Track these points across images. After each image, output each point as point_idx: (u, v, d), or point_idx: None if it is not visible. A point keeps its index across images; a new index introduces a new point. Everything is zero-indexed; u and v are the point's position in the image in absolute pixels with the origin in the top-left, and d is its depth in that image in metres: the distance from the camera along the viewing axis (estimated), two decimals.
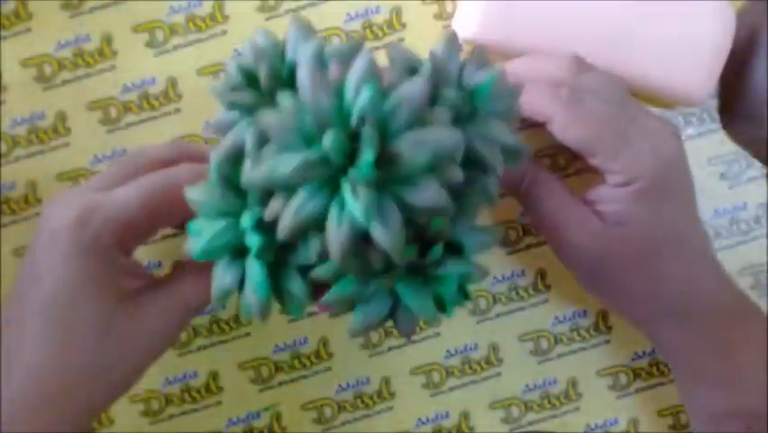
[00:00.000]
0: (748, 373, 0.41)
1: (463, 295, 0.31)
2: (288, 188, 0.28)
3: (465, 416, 0.49)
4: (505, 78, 0.33)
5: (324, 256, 0.29)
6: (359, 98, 0.27)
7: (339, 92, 0.28)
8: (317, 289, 0.32)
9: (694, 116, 0.49)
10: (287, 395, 0.49)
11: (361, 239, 0.28)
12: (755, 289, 0.49)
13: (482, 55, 0.33)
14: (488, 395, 0.49)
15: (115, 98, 0.48)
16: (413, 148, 0.27)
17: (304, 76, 0.28)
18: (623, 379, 0.49)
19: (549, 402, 0.49)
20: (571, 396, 0.49)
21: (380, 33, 0.48)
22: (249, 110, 0.30)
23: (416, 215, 0.28)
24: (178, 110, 0.48)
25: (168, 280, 0.39)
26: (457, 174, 0.29)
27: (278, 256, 0.30)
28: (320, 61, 0.29)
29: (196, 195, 0.32)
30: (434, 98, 0.30)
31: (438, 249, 0.30)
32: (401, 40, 0.48)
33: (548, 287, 0.49)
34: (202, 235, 0.31)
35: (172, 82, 0.48)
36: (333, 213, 0.27)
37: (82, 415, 0.37)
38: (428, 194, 0.27)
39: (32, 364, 0.36)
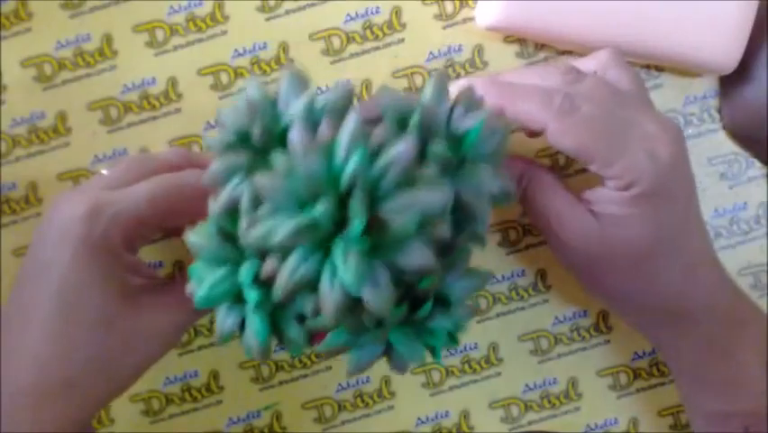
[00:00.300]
0: (747, 376, 0.41)
1: (452, 340, 0.32)
2: (283, 250, 0.29)
3: (465, 415, 0.49)
4: (493, 118, 0.33)
5: (318, 312, 0.30)
6: (348, 163, 0.28)
7: (329, 153, 0.29)
8: (315, 334, 0.33)
9: (694, 116, 0.49)
10: (287, 394, 0.49)
11: (353, 299, 0.29)
12: (755, 289, 0.49)
13: (471, 97, 0.34)
14: (487, 395, 0.49)
15: (115, 98, 0.48)
16: (401, 212, 0.28)
17: (295, 139, 0.29)
18: (623, 379, 0.50)
19: (549, 402, 0.49)
20: (571, 396, 0.49)
21: (380, 34, 0.48)
22: (244, 168, 0.31)
23: (405, 276, 0.29)
24: (178, 110, 0.48)
25: (172, 281, 0.40)
26: (444, 230, 0.30)
27: (277, 305, 0.31)
28: (310, 121, 0.30)
29: (195, 239, 0.33)
30: (422, 151, 0.31)
31: (427, 307, 0.31)
32: (401, 40, 0.48)
33: (548, 287, 0.49)
34: (203, 284, 0.32)
35: (172, 82, 0.48)
36: (325, 277, 0.28)
37: (83, 410, 0.38)
38: (416, 257, 0.28)
39: (37, 357, 0.37)
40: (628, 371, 0.50)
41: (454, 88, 0.40)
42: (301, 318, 0.32)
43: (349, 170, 0.28)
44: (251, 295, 0.30)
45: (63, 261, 0.37)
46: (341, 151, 0.29)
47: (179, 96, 0.48)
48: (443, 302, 0.32)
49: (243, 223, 0.30)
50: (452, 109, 0.33)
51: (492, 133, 0.33)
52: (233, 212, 0.31)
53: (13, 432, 0.36)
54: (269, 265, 0.30)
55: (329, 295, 0.28)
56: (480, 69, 0.49)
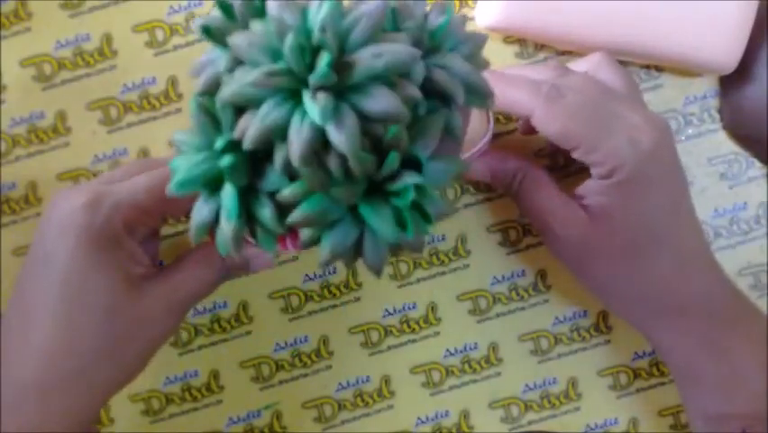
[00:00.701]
0: (744, 377, 0.41)
1: (423, 216, 0.32)
2: (256, 102, 0.30)
3: (465, 415, 0.50)
4: (464, 25, 0.34)
5: (288, 171, 0.30)
6: (319, 12, 0.29)
7: (304, 13, 0.30)
8: (287, 236, 0.34)
9: (694, 116, 0.49)
10: (287, 394, 0.49)
11: (321, 147, 0.29)
12: (755, 289, 0.49)
13: (444, 4, 0.34)
14: (487, 394, 0.49)
15: (115, 98, 0.48)
16: (369, 58, 0.29)
17: (271, 1, 0.30)
18: (623, 379, 0.50)
19: (549, 402, 0.49)
20: (571, 396, 0.50)
21: None
22: (226, 44, 0.32)
23: (371, 122, 0.30)
24: (178, 110, 0.48)
25: (170, 268, 0.40)
26: (414, 91, 0.30)
27: (250, 184, 0.32)
28: None
29: (178, 135, 0.33)
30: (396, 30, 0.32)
31: (394, 156, 0.31)
32: None
33: (548, 287, 0.49)
34: (180, 168, 0.32)
35: (172, 82, 0.48)
36: (294, 119, 0.29)
37: (90, 401, 0.38)
38: (382, 100, 0.29)
39: (42, 350, 0.37)
40: (628, 371, 0.50)
41: None
42: (272, 197, 0.32)
43: (320, 17, 0.29)
44: (225, 160, 0.30)
45: (65, 251, 0.37)
46: (314, 6, 0.30)
47: (179, 95, 0.48)
48: (412, 165, 0.32)
49: (222, 87, 0.31)
50: (427, 13, 0.34)
51: (467, 36, 0.34)
52: (213, 91, 0.31)
53: (20, 428, 0.36)
54: (242, 122, 0.30)
55: (297, 134, 0.29)
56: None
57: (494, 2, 0.45)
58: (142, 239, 0.40)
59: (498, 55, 0.49)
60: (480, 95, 0.34)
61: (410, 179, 0.31)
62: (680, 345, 0.42)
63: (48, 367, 0.37)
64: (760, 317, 0.42)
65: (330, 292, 0.49)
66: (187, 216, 0.36)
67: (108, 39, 0.47)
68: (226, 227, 0.32)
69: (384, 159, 0.31)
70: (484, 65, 0.35)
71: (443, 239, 0.49)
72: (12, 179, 0.48)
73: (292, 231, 0.33)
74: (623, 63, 0.48)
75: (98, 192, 0.38)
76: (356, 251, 0.33)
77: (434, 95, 0.32)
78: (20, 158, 0.48)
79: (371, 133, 0.30)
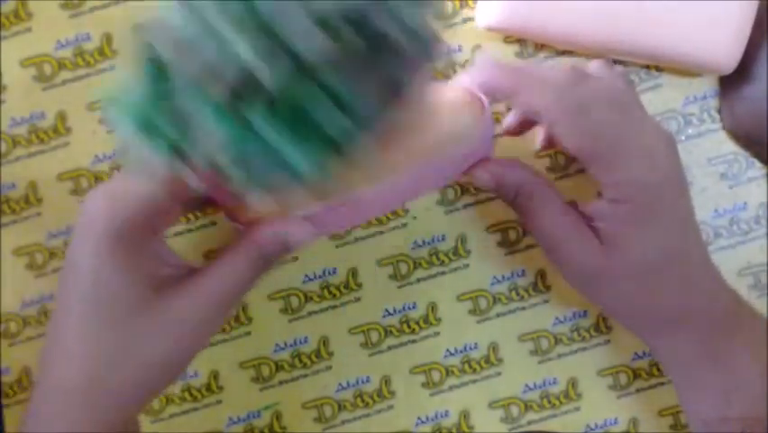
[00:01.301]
0: (744, 380, 0.40)
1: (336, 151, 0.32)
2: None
3: (465, 415, 0.49)
4: None
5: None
6: None
7: None
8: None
9: (694, 116, 0.49)
10: (287, 394, 0.49)
11: (248, 85, 0.29)
12: (755, 289, 0.49)
13: None
14: (487, 394, 0.49)
15: None
16: None
17: None
18: (623, 379, 0.49)
19: (549, 402, 0.49)
20: (571, 396, 0.49)
21: None
22: None
23: (303, 62, 0.29)
24: None
25: (203, 266, 0.39)
26: (349, 35, 0.30)
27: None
28: None
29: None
30: None
31: (321, 98, 0.31)
32: None
33: (548, 287, 0.49)
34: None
35: None
36: (227, 56, 0.29)
37: (120, 407, 0.37)
38: (313, 39, 0.29)
39: (72, 353, 0.36)
40: (628, 371, 0.50)
41: (476, 67, 0.41)
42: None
43: None
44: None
45: (87, 256, 0.37)
46: None
47: None
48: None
49: None
50: None
51: None
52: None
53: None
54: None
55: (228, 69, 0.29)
56: None
57: (494, 2, 0.45)
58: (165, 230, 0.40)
59: (498, 55, 0.49)
60: (422, 42, 0.32)
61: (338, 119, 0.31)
62: (680, 353, 0.42)
63: (72, 375, 0.36)
64: (760, 321, 0.42)
65: (330, 293, 0.49)
66: (208, 209, 0.36)
67: (108, 39, 0.47)
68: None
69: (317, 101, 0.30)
70: (438, 12, 0.34)
71: (443, 239, 0.49)
72: (12, 179, 0.48)
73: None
74: (623, 63, 0.48)
75: (116, 192, 0.37)
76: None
77: (377, 42, 0.31)
78: (20, 158, 0.48)
79: (303, 73, 0.30)
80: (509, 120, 0.47)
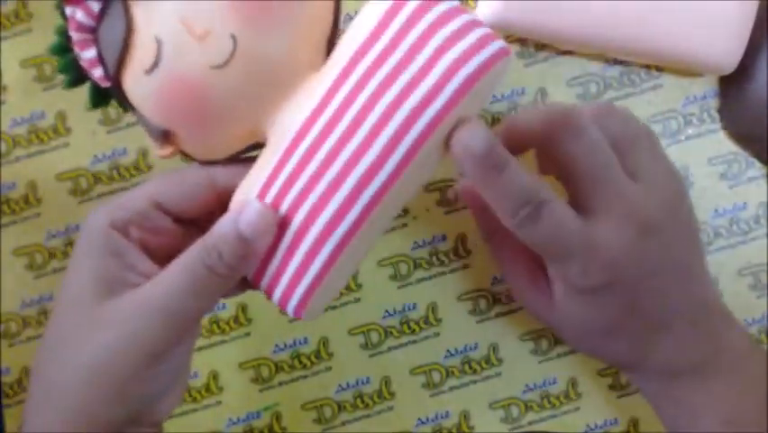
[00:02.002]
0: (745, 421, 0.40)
1: None
2: None
3: (465, 416, 0.49)
4: None
5: None
6: None
7: None
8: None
9: (694, 116, 0.49)
10: (287, 395, 0.49)
11: None
12: (755, 289, 0.49)
13: None
14: (488, 395, 0.49)
15: None
16: None
17: None
18: (623, 379, 0.49)
19: (549, 402, 0.49)
20: (571, 396, 0.49)
21: None
22: None
23: None
24: None
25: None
26: None
27: None
28: None
29: None
30: None
31: None
32: None
33: None
34: None
35: None
36: None
37: (76, 408, 0.36)
38: None
39: (39, 360, 0.37)
40: None
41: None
42: None
43: None
44: None
45: (74, 266, 0.37)
46: None
47: None
48: None
49: None
50: None
51: None
52: None
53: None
54: None
55: None
56: None
57: (494, 1, 0.45)
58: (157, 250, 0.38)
59: None
60: None
61: None
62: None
63: (39, 366, 0.37)
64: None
65: None
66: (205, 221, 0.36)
67: None
68: None
69: None
70: None
71: (443, 239, 0.49)
72: (12, 179, 0.48)
73: None
74: (623, 63, 0.48)
75: (113, 205, 0.37)
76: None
77: None
78: (20, 158, 0.48)
79: None
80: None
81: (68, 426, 0.35)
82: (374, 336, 0.49)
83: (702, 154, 0.49)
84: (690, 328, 0.40)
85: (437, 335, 0.49)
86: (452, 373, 0.49)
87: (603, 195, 0.38)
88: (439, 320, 0.49)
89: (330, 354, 0.49)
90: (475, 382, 0.49)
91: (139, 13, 0.35)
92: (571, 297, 0.39)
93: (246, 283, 0.37)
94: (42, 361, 0.37)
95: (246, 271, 0.36)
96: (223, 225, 0.35)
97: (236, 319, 0.49)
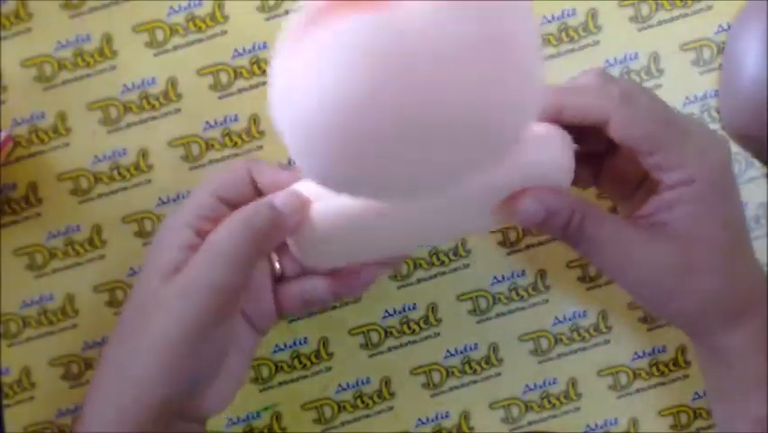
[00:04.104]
0: None
1: None
2: None
3: (465, 416, 0.49)
4: None
5: None
6: None
7: None
8: None
9: (694, 116, 0.49)
10: (287, 395, 0.49)
11: None
12: None
13: None
14: (488, 395, 0.49)
15: (115, 98, 0.48)
16: None
17: None
18: (623, 379, 0.49)
19: (549, 402, 0.49)
20: (571, 396, 0.49)
21: None
22: None
23: None
24: (177, 110, 0.48)
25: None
26: None
27: None
28: None
29: None
30: None
31: None
32: None
33: (548, 287, 0.49)
34: None
35: (172, 82, 0.48)
36: None
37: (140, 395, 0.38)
38: None
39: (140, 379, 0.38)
40: (628, 371, 0.50)
41: None
42: None
43: None
44: None
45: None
46: None
47: (179, 96, 0.48)
48: None
49: None
50: None
51: None
52: None
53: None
54: None
55: None
56: None
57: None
58: None
59: None
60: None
61: None
62: (745, 349, 0.41)
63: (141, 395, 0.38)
64: None
65: None
66: None
67: (108, 39, 0.48)
68: None
69: None
70: None
71: None
72: (12, 179, 0.48)
73: None
74: (623, 62, 0.48)
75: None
76: None
77: None
78: (20, 158, 0.48)
79: None
80: None
81: (125, 412, 0.38)
82: (374, 336, 0.49)
83: None
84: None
85: (437, 335, 0.49)
86: (453, 373, 0.49)
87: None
88: (439, 320, 0.49)
89: (330, 355, 0.49)
90: (475, 382, 0.49)
91: None
92: (691, 202, 0.38)
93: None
94: (112, 347, 0.40)
95: (276, 243, 0.40)
96: (258, 202, 0.39)
97: None
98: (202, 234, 0.39)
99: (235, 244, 0.38)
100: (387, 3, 0.29)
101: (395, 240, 0.40)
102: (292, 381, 0.49)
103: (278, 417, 0.49)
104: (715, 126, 0.49)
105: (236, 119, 0.48)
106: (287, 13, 0.48)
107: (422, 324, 0.49)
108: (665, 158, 0.38)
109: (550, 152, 0.38)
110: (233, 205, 0.40)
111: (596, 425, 0.49)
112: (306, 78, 0.30)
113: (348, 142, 0.30)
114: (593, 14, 0.49)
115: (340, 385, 0.49)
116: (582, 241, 0.40)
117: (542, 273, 0.49)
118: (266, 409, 0.49)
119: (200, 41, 0.48)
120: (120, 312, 0.41)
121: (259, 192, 0.41)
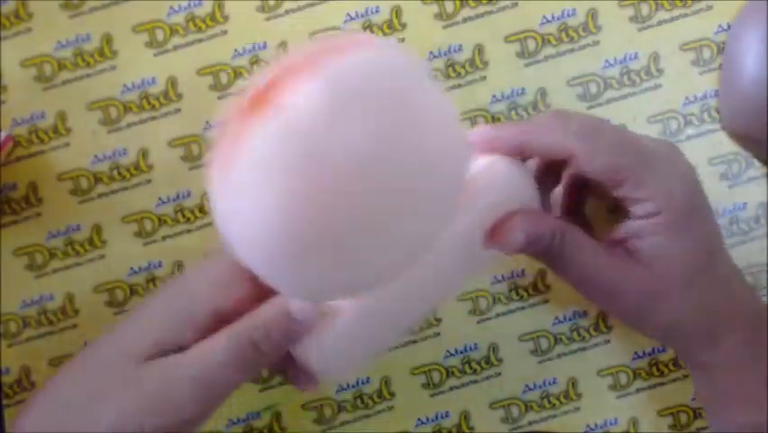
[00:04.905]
0: None
1: None
2: None
3: (465, 416, 0.49)
4: None
5: None
6: None
7: None
8: None
9: (694, 117, 0.49)
10: (287, 395, 0.49)
11: None
12: (755, 289, 0.49)
13: None
14: (488, 395, 0.49)
15: (115, 98, 0.48)
16: None
17: None
18: (623, 379, 0.49)
19: (549, 402, 0.49)
20: (571, 396, 0.49)
21: (380, 34, 0.48)
22: None
23: None
24: (178, 110, 0.48)
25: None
26: None
27: None
28: None
29: None
30: None
31: None
32: (401, 40, 0.48)
33: (548, 287, 0.49)
34: None
35: (172, 82, 0.48)
36: None
37: None
38: None
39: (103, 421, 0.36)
40: (628, 371, 0.50)
41: (475, 137, 0.40)
42: None
43: None
44: None
45: None
46: None
47: (179, 96, 0.48)
48: None
49: None
50: None
51: None
52: None
53: None
54: None
55: None
56: (480, 68, 0.49)
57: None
58: None
59: (498, 55, 0.49)
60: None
61: None
62: (723, 364, 0.41)
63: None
64: None
65: None
66: None
67: (108, 39, 0.48)
68: None
69: None
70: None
71: None
72: (12, 179, 0.48)
73: None
74: (623, 62, 0.48)
75: None
76: None
77: None
78: (20, 158, 0.48)
79: None
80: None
81: None
82: None
83: (702, 154, 0.49)
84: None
85: (437, 335, 0.49)
86: (453, 372, 0.49)
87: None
88: (439, 320, 0.49)
89: None
90: (475, 381, 0.49)
91: None
92: (659, 233, 0.39)
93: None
94: (64, 412, 0.37)
95: (286, 350, 0.37)
96: (272, 305, 0.36)
97: None
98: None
99: (242, 352, 0.36)
100: (271, 103, 0.29)
101: (404, 316, 0.39)
102: None
103: (278, 417, 0.49)
104: (715, 126, 0.49)
105: None
106: (287, 13, 0.48)
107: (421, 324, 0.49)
108: (630, 190, 0.39)
109: (504, 182, 0.39)
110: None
111: (596, 425, 0.49)
112: (237, 202, 0.30)
113: (297, 255, 0.31)
114: (593, 14, 0.49)
115: (340, 385, 0.49)
116: (558, 264, 0.40)
117: (542, 273, 0.49)
118: (266, 408, 0.49)
119: (200, 41, 0.48)
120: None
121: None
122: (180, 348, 0.36)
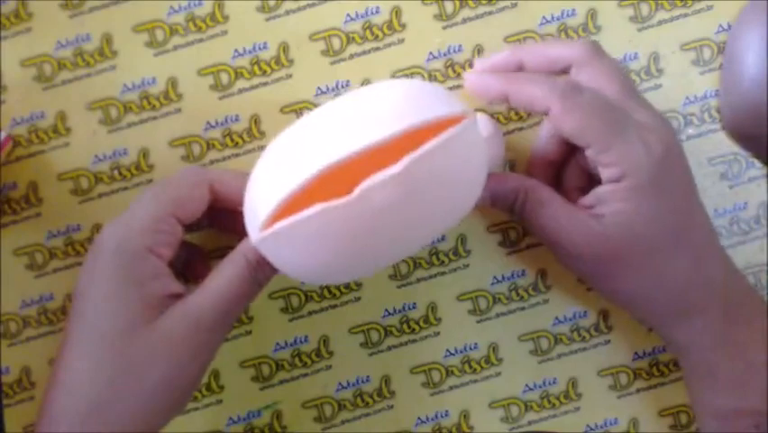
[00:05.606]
0: (758, 372, 0.40)
1: None
2: None
3: (465, 415, 0.49)
4: None
5: None
6: None
7: None
8: None
9: (694, 116, 0.49)
10: (287, 393, 0.49)
11: None
12: (755, 289, 0.49)
13: None
14: (487, 395, 0.49)
15: (115, 98, 0.48)
16: None
17: None
18: (623, 379, 0.50)
19: (549, 402, 0.49)
20: (571, 396, 0.49)
21: (380, 34, 0.48)
22: None
23: None
24: (178, 110, 0.48)
25: (195, 290, 0.39)
26: None
27: None
28: None
29: None
30: None
31: None
32: (401, 40, 0.48)
33: (548, 287, 0.49)
34: None
35: (172, 82, 0.48)
36: None
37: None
38: None
39: (75, 380, 0.37)
40: (628, 371, 0.50)
41: (465, 83, 0.44)
42: None
43: None
44: None
45: (91, 286, 0.38)
46: None
47: (179, 96, 0.48)
48: None
49: None
50: None
51: None
52: None
53: None
54: None
55: None
56: None
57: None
58: (173, 257, 0.40)
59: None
60: None
61: None
62: (697, 344, 0.42)
63: (78, 399, 0.37)
64: None
65: (330, 292, 0.49)
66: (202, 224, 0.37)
67: (108, 39, 0.47)
68: None
69: None
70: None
71: (443, 239, 0.49)
72: (12, 179, 0.48)
73: None
74: (622, 62, 0.48)
75: (121, 221, 0.39)
76: None
77: None
78: (20, 158, 0.48)
79: None
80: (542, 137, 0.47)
81: None
82: (374, 335, 0.49)
83: (702, 154, 0.49)
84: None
85: (437, 334, 0.49)
86: (452, 372, 0.49)
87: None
88: (439, 320, 0.49)
89: (330, 353, 0.49)
90: (475, 381, 0.49)
91: None
92: (620, 199, 0.40)
93: None
94: (103, 390, 0.38)
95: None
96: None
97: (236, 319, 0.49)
98: (164, 259, 0.39)
99: (242, 286, 0.39)
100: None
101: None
102: (292, 379, 0.49)
103: (278, 415, 0.49)
104: (715, 126, 0.49)
105: (237, 119, 0.48)
106: (287, 13, 0.48)
107: (422, 323, 0.49)
108: (598, 153, 0.40)
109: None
110: (190, 221, 0.41)
111: (596, 425, 0.50)
112: (297, 247, 0.37)
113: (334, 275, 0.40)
114: (593, 14, 0.49)
115: (340, 384, 0.49)
116: (524, 220, 0.43)
117: (542, 273, 0.49)
118: (266, 407, 0.49)
119: (200, 41, 0.48)
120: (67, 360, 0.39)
121: (212, 206, 0.42)
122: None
